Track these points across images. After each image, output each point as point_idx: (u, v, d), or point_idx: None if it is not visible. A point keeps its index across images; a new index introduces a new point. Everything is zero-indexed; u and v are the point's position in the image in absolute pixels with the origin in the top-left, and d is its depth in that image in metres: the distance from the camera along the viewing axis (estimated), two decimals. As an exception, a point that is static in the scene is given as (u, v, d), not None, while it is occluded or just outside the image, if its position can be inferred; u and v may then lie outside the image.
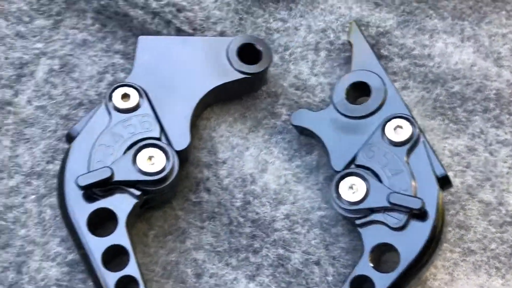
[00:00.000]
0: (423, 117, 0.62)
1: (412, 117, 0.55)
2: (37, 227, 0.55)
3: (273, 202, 0.57)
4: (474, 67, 0.64)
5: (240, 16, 0.63)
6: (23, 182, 0.56)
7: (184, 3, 0.60)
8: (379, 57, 0.63)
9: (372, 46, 0.63)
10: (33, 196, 0.55)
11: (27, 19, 0.60)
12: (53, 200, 0.55)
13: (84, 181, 0.51)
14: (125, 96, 0.54)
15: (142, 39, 0.57)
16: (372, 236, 0.52)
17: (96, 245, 0.51)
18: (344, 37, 0.63)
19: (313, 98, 0.61)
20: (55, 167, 0.57)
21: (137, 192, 0.52)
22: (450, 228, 0.59)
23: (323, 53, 0.62)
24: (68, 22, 0.61)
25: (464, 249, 0.58)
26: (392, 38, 0.64)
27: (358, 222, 0.52)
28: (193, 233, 0.56)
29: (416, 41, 0.64)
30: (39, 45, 0.59)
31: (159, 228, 0.56)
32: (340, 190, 0.53)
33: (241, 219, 0.56)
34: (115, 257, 0.52)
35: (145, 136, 0.53)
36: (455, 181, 0.60)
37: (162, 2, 0.60)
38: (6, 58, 0.58)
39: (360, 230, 0.52)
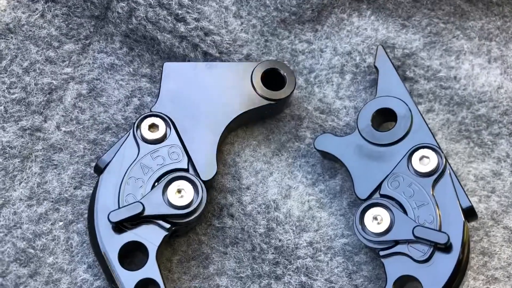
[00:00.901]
0: (448, 140, 0.62)
1: (439, 147, 0.54)
2: (65, 254, 0.55)
3: (296, 229, 0.57)
4: (501, 90, 0.63)
5: (266, 38, 0.62)
6: (52, 208, 0.56)
7: (211, 27, 0.60)
8: (404, 79, 0.63)
9: (398, 69, 0.63)
10: (61, 223, 0.56)
11: (56, 44, 0.60)
12: (81, 226, 0.56)
13: (116, 217, 0.51)
14: (153, 126, 0.54)
15: (167, 65, 0.57)
16: (395, 268, 0.51)
17: (128, 279, 0.51)
18: (370, 60, 0.62)
19: (337, 121, 0.61)
20: (82, 192, 0.57)
21: (167, 225, 0.53)
22: (473, 255, 0.59)
23: (348, 76, 0.62)
24: (96, 45, 0.61)
25: (487, 277, 0.58)
26: (418, 60, 0.63)
27: (382, 253, 0.52)
28: (216, 258, 0.57)
29: (442, 63, 0.64)
30: (68, 69, 0.59)
31: (183, 253, 0.57)
32: (365, 221, 0.53)
33: (264, 246, 0.56)
34: None
35: (173, 167, 0.54)
36: (480, 207, 0.60)
37: (190, 26, 0.60)
38: (36, 84, 0.58)
39: (383, 260, 0.52)
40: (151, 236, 0.52)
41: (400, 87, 0.57)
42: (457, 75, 0.64)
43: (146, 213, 0.52)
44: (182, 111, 0.55)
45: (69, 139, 0.58)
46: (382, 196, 0.53)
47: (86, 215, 0.56)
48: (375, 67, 0.59)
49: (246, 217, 0.57)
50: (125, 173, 0.53)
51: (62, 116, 0.58)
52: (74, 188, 0.57)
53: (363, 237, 0.52)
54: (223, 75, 0.57)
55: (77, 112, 0.59)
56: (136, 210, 0.51)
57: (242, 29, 0.61)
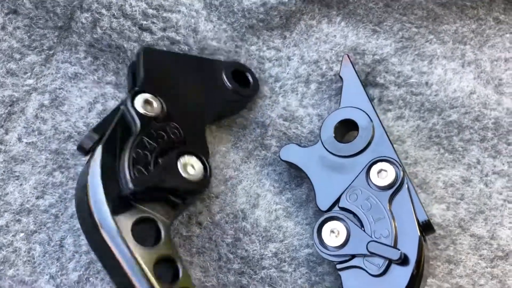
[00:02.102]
0: (417, 147, 0.62)
1: (397, 161, 0.54)
2: (26, 266, 0.56)
3: (263, 240, 0.58)
4: (473, 95, 0.63)
5: (236, 43, 0.62)
6: (13, 220, 0.57)
7: (178, 38, 0.60)
8: (375, 85, 0.63)
9: (368, 75, 0.62)
10: (22, 234, 0.56)
11: (18, 56, 0.60)
12: (43, 236, 0.56)
13: (139, 185, 0.48)
14: (147, 103, 0.53)
15: (147, 50, 0.56)
16: (352, 281, 0.52)
17: (146, 257, 0.47)
18: (337, 68, 0.62)
19: (301, 129, 0.61)
20: (44, 202, 0.57)
21: (178, 201, 0.51)
22: (439, 263, 0.59)
23: (313, 86, 0.62)
24: (60, 56, 0.61)
25: (452, 285, 0.58)
26: (389, 66, 0.63)
27: (338, 266, 0.53)
28: None
29: (414, 68, 0.63)
30: (30, 81, 0.60)
31: None
32: (323, 234, 0.53)
33: (231, 255, 0.57)
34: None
35: (176, 144, 0.53)
36: (447, 214, 0.60)
37: (157, 36, 0.60)
38: None
39: (340, 273, 0.53)
40: (161, 213, 0.50)
41: (364, 98, 0.57)
42: (429, 80, 0.63)
43: (166, 185, 0.50)
44: (166, 94, 0.54)
45: (30, 150, 0.59)
46: (341, 209, 0.54)
47: (48, 225, 0.56)
48: (340, 77, 0.58)
49: (214, 226, 0.58)
50: (125, 148, 0.50)
51: (24, 127, 0.59)
52: (36, 198, 0.57)
53: (321, 250, 0.53)
54: (200, 68, 0.58)
55: (39, 122, 0.59)
56: (155, 180, 0.50)
57: (211, 37, 0.61)
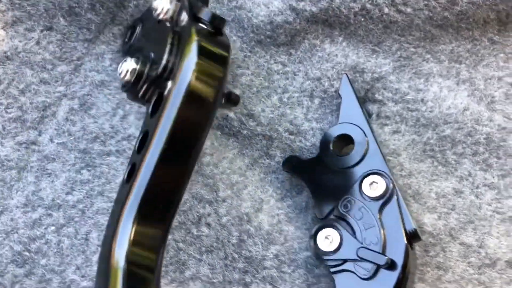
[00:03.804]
0: (412, 160, 0.66)
1: (388, 174, 0.58)
2: (56, 257, 0.61)
3: (265, 242, 0.62)
4: (467, 111, 0.67)
5: (245, 53, 0.67)
6: (45, 214, 0.62)
7: None
8: (374, 101, 0.67)
9: (367, 92, 0.67)
10: (53, 227, 0.62)
11: (50, 66, 0.65)
12: (71, 230, 0.62)
13: None
14: None
15: None
16: (343, 283, 0.57)
17: None
18: (337, 85, 0.66)
19: (305, 142, 0.65)
20: (73, 197, 0.63)
21: None
22: (429, 269, 0.63)
23: (317, 100, 0.66)
24: (87, 65, 0.66)
25: (440, 289, 0.63)
26: (387, 83, 0.67)
27: (332, 269, 0.57)
28: (192, 264, 0.63)
29: (411, 85, 0.67)
30: (61, 88, 0.65)
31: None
32: (318, 240, 0.58)
33: (236, 255, 0.62)
34: None
35: None
36: (438, 223, 0.64)
37: None
38: (31, 103, 0.64)
39: (333, 276, 0.58)
40: None
41: (360, 115, 0.61)
42: (425, 97, 0.67)
43: None
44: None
45: (61, 150, 0.63)
46: (336, 217, 0.59)
47: (76, 219, 0.61)
48: (339, 94, 0.63)
49: (221, 228, 0.63)
50: None
51: (55, 129, 0.64)
52: (66, 194, 0.63)
53: (316, 254, 0.58)
54: None
55: (69, 125, 0.64)
56: None
57: None
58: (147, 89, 0.53)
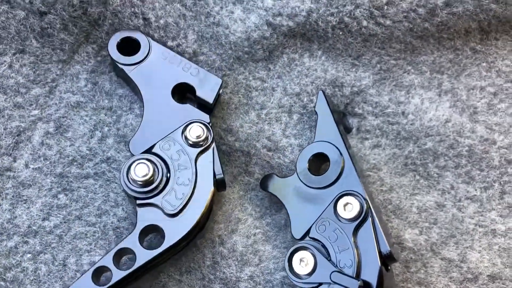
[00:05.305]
0: (393, 174, 0.65)
1: (362, 195, 0.58)
2: (33, 284, 0.61)
3: (239, 264, 0.63)
4: (449, 123, 0.66)
5: (224, 72, 0.66)
6: (21, 241, 0.62)
7: None
8: (354, 115, 0.66)
9: (347, 106, 0.66)
10: (29, 255, 0.61)
11: (24, 90, 0.64)
12: (48, 256, 0.61)
13: None
14: None
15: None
16: (318, 306, 0.57)
17: None
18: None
19: (283, 158, 0.65)
20: (50, 223, 0.62)
21: None
22: (410, 285, 0.63)
23: (295, 116, 0.66)
24: (62, 87, 0.65)
25: (422, 306, 0.63)
26: (367, 97, 0.66)
27: (308, 293, 0.58)
28: (172, 286, 0.63)
29: (392, 98, 0.67)
30: (35, 112, 0.64)
31: (142, 283, 0.62)
32: (293, 262, 0.58)
33: (212, 276, 0.63)
34: None
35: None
36: (420, 239, 0.64)
37: None
38: (5, 129, 0.63)
39: (310, 300, 0.58)
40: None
41: (335, 133, 0.61)
42: (405, 110, 0.66)
43: None
44: None
45: (37, 175, 0.63)
46: (311, 238, 0.58)
47: (53, 245, 0.61)
48: (315, 111, 0.62)
49: (196, 249, 0.63)
50: None
51: (31, 154, 0.63)
52: (42, 220, 0.62)
53: (291, 277, 0.58)
54: None
55: (45, 149, 0.63)
56: None
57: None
58: None
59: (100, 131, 0.64)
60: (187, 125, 0.60)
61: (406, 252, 0.63)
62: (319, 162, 0.62)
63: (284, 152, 0.65)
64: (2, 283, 0.61)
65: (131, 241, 0.57)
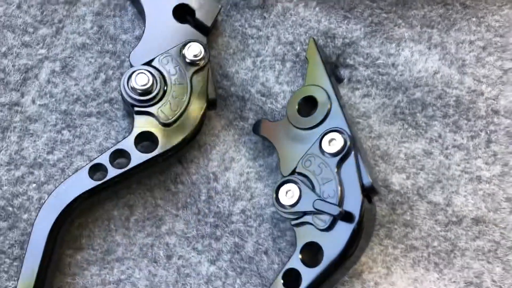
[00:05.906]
0: (382, 122, 0.68)
1: (347, 131, 0.61)
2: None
3: (231, 199, 0.66)
4: (437, 75, 0.68)
5: (222, 17, 0.69)
6: (27, 172, 0.66)
7: None
8: (345, 66, 0.69)
9: (339, 56, 0.69)
10: (34, 185, 0.65)
11: (31, 29, 0.69)
12: (51, 187, 0.65)
13: None
14: None
15: None
16: (303, 235, 0.59)
17: None
18: (309, 49, 0.69)
19: (276, 104, 0.68)
20: (53, 157, 0.66)
21: None
22: (396, 226, 0.65)
23: (288, 64, 0.69)
24: (69, 28, 0.69)
25: (407, 246, 0.65)
26: (358, 48, 0.69)
27: (293, 222, 0.60)
28: (169, 220, 0.66)
29: (382, 50, 0.69)
30: (42, 51, 0.68)
31: (140, 214, 0.65)
32: (279, 194, 0.61)
33: (206, 210, 0.66)
34: None
35: None
36: (407, 183, 0.66)
37: None
38: (13, 65, 0.67)
39: (294, 229, 0.60)
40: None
41: (325, 78, 0.63)
42: (396, 61, 0.69)
43: None
44: None
45: (43, 111, 0.67)
46: (298, 173, 0.61)
47: (56, 177, 0.65)
48: (306, 58, 0.66)
49: (192, 185, 0.66)
50: None
51: (37, 91, 0.67)
52: (47, 154, 0.66)
53: (277, 208, 0.61)
54: None
55: (51, 87, 0.67)
56: None
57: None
58: None
59: (104, 74, 0.68)
60: (186, 43, 0.64)
61: (393, 195, 0.66)
62: (308, 107, 0.64)
63: (276, 98, 0.68)
64: (10, 208, 0.65)
65: (127, 144, 0.62)
